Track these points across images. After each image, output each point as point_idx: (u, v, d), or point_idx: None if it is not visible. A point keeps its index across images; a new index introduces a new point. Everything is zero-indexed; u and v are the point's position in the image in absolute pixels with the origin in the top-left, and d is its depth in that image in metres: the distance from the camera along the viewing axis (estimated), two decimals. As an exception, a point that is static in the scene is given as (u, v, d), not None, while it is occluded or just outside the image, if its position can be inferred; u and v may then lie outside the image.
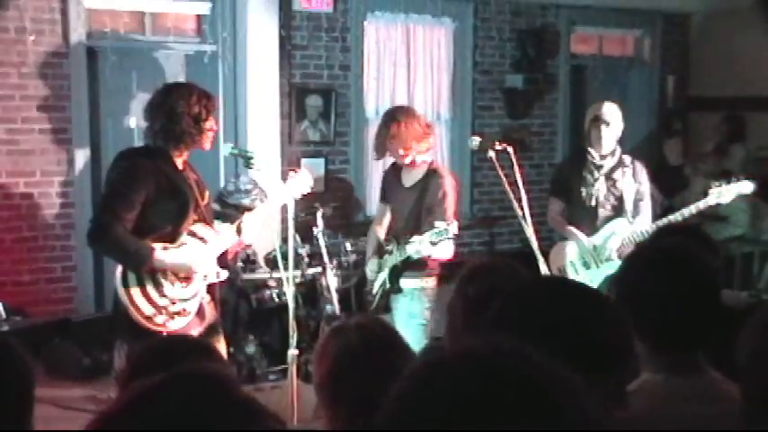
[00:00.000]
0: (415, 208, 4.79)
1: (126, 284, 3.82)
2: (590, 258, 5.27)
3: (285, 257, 4.40)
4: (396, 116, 4.78)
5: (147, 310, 3.82)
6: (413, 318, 4.78)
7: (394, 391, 1.03)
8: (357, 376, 2.12)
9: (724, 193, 4.97)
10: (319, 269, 6.22)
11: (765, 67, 8.51)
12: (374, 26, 7.84)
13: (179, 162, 4.01)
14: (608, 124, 5.22)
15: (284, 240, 5.78)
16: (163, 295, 3.86)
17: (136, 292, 3.82)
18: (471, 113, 8.29)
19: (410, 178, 4.88)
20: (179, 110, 3.88)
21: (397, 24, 7.96)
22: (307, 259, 6.27)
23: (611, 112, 5.27)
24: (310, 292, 6.31)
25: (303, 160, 7.36)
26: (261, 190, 6.35)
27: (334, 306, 5.92)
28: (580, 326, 1.62)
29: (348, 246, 6.52)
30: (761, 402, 1.66)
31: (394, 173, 5.01)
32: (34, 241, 6.53)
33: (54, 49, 6.47)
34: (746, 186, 4.99)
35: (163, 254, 3.82)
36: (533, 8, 8.50)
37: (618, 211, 5.26)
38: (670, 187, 7.98)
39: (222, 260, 4.21)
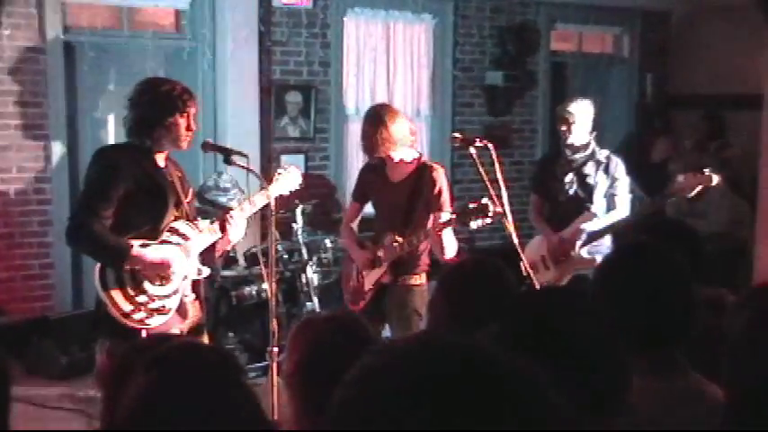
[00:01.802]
0: (407, 203, 4.70)
1: (104, 282, 3.78)
2: (558, 253, 5.32)
3: (265, 254, 4.36)
4: (383, 117, 4.66)
5: (126, 306, 3.79)
6: (417, 315, 4.74)
7: (335, 398, 1.01)
8: (325, 370, 2.09)
9: (689, 186, 5.03)
10: (299, 266, 6.20)
11: (744, 66, 8.55)
12: (354, 22, 7.82)
13: (160, 158, 3.97)
14: (568, 120, 5.30)
15: (264, 237, 5.76)
16: (142, 292, 3.82)
17: (114, 289, 3.78)
18: (451, 110, 8.29)
19: (399, 173, 4.77)
20: (148, 102, 3.84)
21: (376, 21, 7.94)
22: (286, 256, 6.25)
23: (573, 108, 5.34)
24: (290, 288, 6.29)
25: (283, 157, 7.34)
26: (240, 189, 6.32)
27: (315, 303, 5.90)
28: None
29: (328, 242, 6.50)
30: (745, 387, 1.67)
31: (377, 170, 4.88)
32: (10, 238, 6.46)
33: (30, 44, 6.40)
34: (712, 179, 5.06)
35: (142, 251, 3.79)
36: (513, 5, 8.51)
37: (588, 205, 5.31)
38: (653, 185, 7.99)
39: (207, 257, 4.18)
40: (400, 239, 4.61)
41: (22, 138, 6.45)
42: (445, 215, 4.55)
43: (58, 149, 6.56)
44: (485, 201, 4.29)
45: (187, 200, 4.07)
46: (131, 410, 1.12)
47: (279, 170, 4.40)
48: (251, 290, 6.10)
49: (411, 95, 8.22)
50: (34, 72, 6.44)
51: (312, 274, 6.00)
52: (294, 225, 6.08)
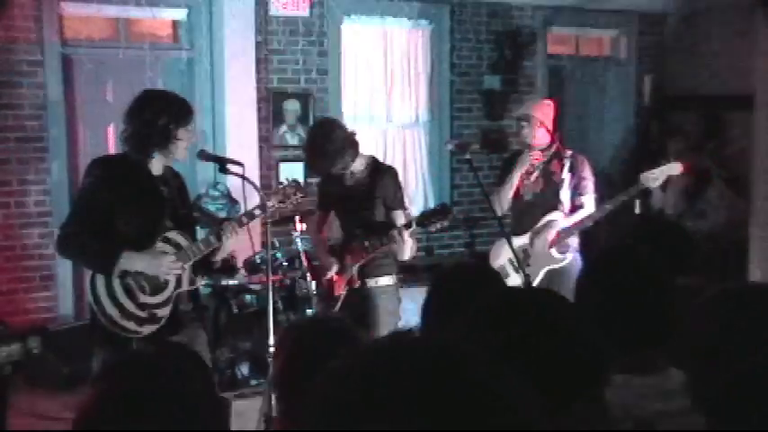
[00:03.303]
0: (367, 202, 4.79)
1: (94, 289, 3.80)
2: (527, 254, 5.28)
3: (264, 262, 4.38)
4: (323, 142, 4.72)
5: (114, 314, 3.80)
6: (392, 316, 4.79)
7: (311, 397, 1.03)
8: (310, 371, 2.11)
9: (654, 178, 5.04)
10: (299, 273, 6.21)
11: (740, 66, 8.57)
12: (351, 29, 7.85)
13: (155, 169, 3.99)
14: (522, 121, 5.35)
15: (263, 245, 5.77)
16: (132, 301, 3.83)
17: (104, 296, 3.80)
18: (449, 115, 8.30)
19: (352, 176, 4.87)
20: (151, 117, 3.86)
21: (373, 27, 7.97)
22: (286, 263, 6.26)
23: (529, 110, 5.37)
24: (290, 295, 6.30)
25: (281, 164, 7.36)
26: (230, 199, 6.35)
27: (314, 309, 5.90)
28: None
29: (327, 249, 6.51)
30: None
31: (331, 177, 4.95)
32: (11, 251, 6.48)
33: (29, 57, 6.43)
34: (674, 168, 5.08)
35: (132, 259, 3.80)
36: (509, 10, 8.52)
37: (554, 204, 5.28)
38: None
39: (205, 266, 4.19)
40: (366, 243, 4.67)
41: (22, 151, 6.48)
42: (402, 214, 4.73)
43: (57, 162, 6.58)
44: (445, 204, 4.38)
45: (184, 210, 4.09)
46: (86, 410, 1.14)
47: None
48: (251, 298, 6.11)
49: (409, 101, 8.24)
50: (33, 85, 6.47)
51: (311, 281, 6.00)
52: (293, 232, 6.09)
